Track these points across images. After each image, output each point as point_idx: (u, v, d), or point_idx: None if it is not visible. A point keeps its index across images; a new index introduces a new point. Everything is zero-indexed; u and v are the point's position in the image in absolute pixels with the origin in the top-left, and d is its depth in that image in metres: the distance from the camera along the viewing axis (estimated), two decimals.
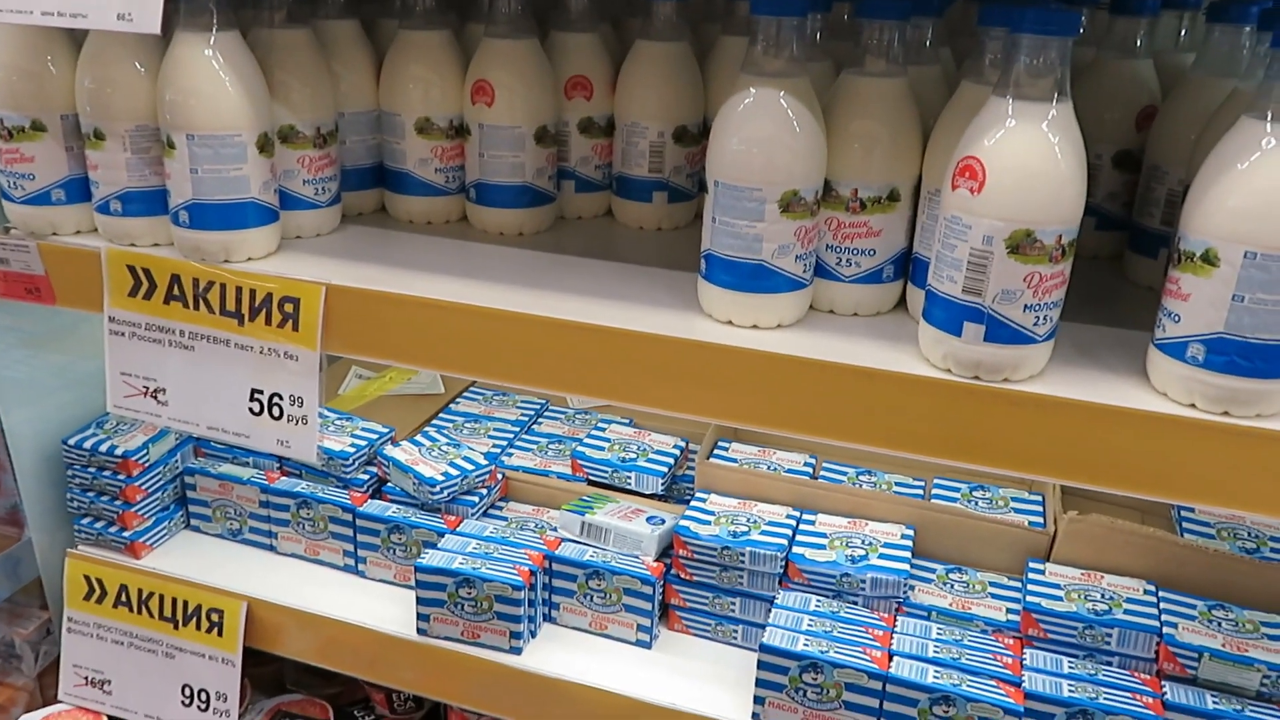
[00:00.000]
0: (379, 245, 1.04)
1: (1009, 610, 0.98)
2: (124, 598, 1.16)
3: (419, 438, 1.22)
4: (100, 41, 0.92)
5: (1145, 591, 0.96)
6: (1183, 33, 1.08)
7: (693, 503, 1.10)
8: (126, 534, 1.16)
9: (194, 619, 1.13)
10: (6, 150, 0.97)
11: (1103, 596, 0.95)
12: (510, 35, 1.03)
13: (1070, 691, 0.88)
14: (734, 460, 1.17)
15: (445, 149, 1.08)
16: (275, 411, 0.95)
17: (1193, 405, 0.71)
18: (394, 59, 1.07)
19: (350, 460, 1.17)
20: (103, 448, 1.13)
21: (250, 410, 0.96)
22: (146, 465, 1.15)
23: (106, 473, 1.14)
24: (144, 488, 1.16)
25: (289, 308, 0.92)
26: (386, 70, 1.08)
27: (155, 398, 0.99)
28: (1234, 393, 0.69)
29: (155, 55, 0.92)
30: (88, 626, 1.17)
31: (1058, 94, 0.70)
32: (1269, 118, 0.67)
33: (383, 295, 0.90)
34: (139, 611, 1.15)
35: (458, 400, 1.41)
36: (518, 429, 1.32)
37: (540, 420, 1.37)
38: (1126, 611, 0.93)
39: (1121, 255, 1.03)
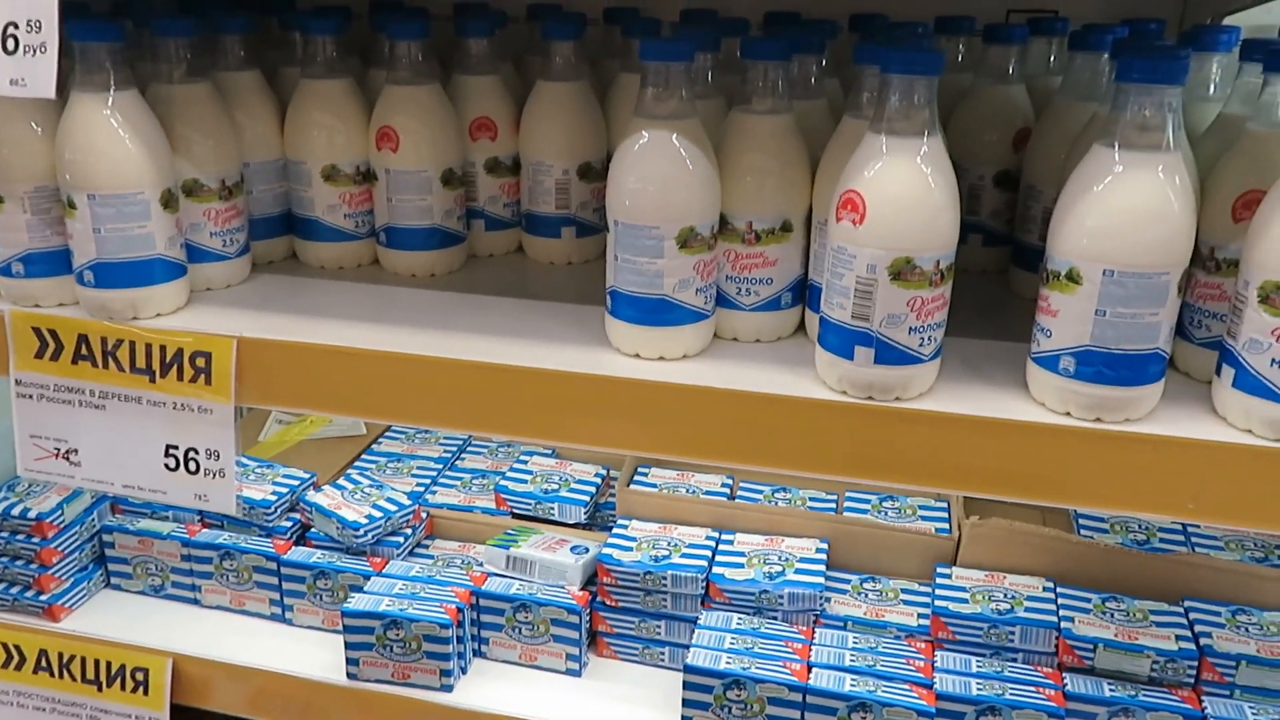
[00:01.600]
0: (290, 294, 1.04)
1: (920, 615, 1.03)
2: (44, 663, 1.13)
3: (342, 481, 1.22)
4: None
5: (1044, 589, 1.01)
6: (1051, 58, 1.15)
7: (615, 530, 1.13)
8: (44, 597, 1.14)
9: (118, 679, 1.11)
10: None
11: (1005, 596, 1.00)
12: (412, 81, 1.05)
13: (979, 690, 0.92)
14: (654, 485, 1.20)
15: (353, 195, 1.10)
16: (191, 466, 0.95)
17: (1068, 413, 0.76)
18: (298, 108, 1.08)
19: (272, 508, 1.17)
20: (15, 511, 1.11)
21: (166, 466, 0.96)
22: (62, 526, 1.13)
23: (20, 536, 1.12)
24: (60, 549, 1.14)
25: (201, 362, 0.92)
26: (290, 119, 1.09)
27: (68, 459, 0.98)
28: (1103, 400, 0.74)
29: (53, 115, 0.92)
30: (8, 695, 1.15)
31: (928, 129, 0.75)
32: (1117, 145, 0.72)
33: (295, 345, 0.91)
34: (60, 676, 1.13)
35: (380, 440, 1.41)
36: (441, 466, 1.33)
37: (463, 455, 1.38)
38: (1027, 609, 0.98)
39: (1006, 270, 1.09)
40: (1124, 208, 0.71)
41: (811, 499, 1.18)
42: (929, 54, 0.74)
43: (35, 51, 0.81)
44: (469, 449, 1.40)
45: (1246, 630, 0.96)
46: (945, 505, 1.17)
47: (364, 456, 1.37)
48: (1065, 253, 0.74)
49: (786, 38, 0.91)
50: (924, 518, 1.14)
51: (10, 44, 0.81)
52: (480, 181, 1.14)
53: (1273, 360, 0.71)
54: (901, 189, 0.74)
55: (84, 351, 0.95)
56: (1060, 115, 0.99)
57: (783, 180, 0.88)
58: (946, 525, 1.13)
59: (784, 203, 0.88)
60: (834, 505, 1.17)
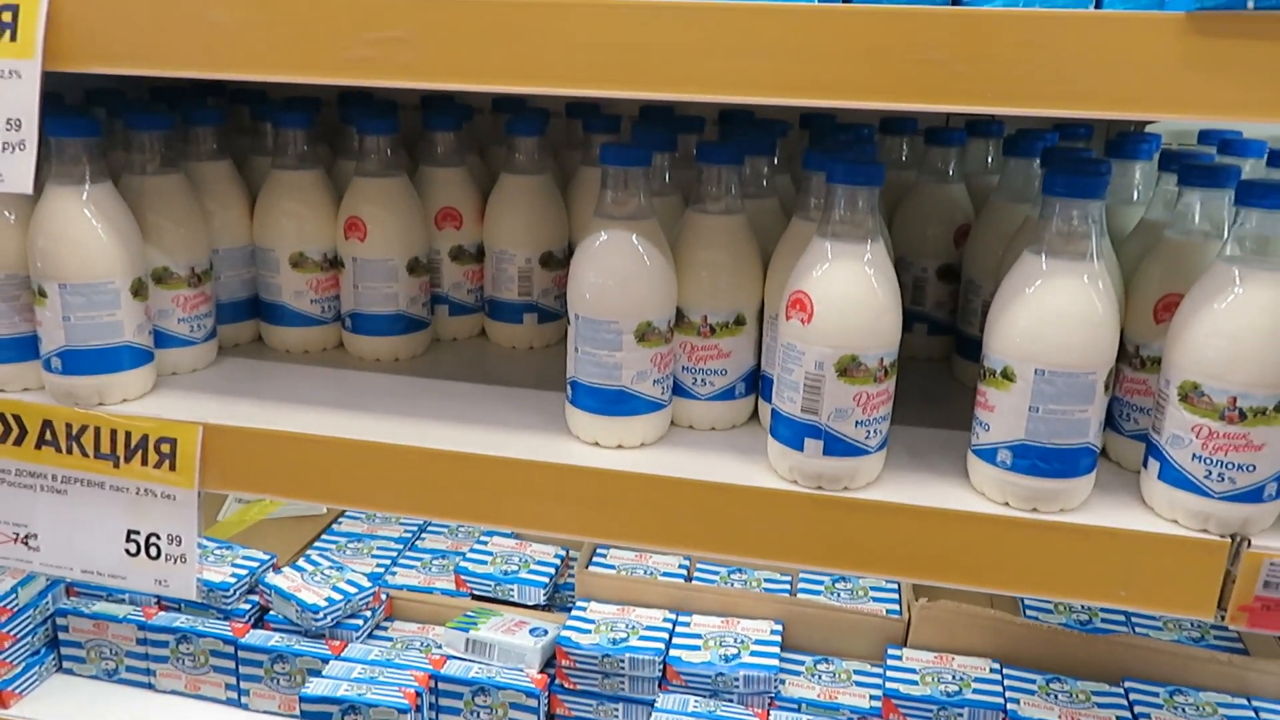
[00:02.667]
0: (256, 378, 1.06)
1: (871, 697, 1.05)
2: None
3: (301, 562, 1.22)
4: None
5: (991, 670, 1.05)
6: (989, 159, 1.22)
7: (574, 612, 1.14)
8: None
9: None
10: None
11: (954, 678, 1.03)
12: (380, 173, 1.09)
13: None
14: (612, 567, 1.22)
15: (320, 281, 1.13)
16: (153, 551, 0.96)
17: (1006, 503, 0.80)
18: (267, 197, 1.11)
19: (231, 591, 1.17)
20: None
21: (127, 551, 0.96)
22: (15, 610, 1.12)
23: None
24: (12, 633, 1.13)
25: (166, 448, 0.93)
26: (260, 208, 1.12)
27: (26, 544, 0.98)
28: (1038, 492, 0.78)
29: (25, 205, 0.94)
30: None
31: (871, 233, 0.80)
32: (1045, 253, 0.77)
33: (261, 432, 0.92)
34: None
35: (340, 520, 1.42)
36: (401, 546, 1.34)
37: (423, 536, 1.39)
38: (975, 691, 1.01)
39: (950, 358, 1.14)
40: (1052, 312, 0.76)
41: (767, 579, 1.21)
42: (871, 166, 0.79)
43: (15, 149, 0.83)
44: (429, 529, 1.41)
45: (1184, 711, 1.00)
46: (896, 586, 1.21)
47: (324, 537, 1.37)
48: (1000, 352, 0.78)
49: (739, 142, 0.96)
50: (875, 599, 1.17)
51: None
52: (445, 268, 1.18)
53: (1194, 455, 0.76)
54: (847, 291, 0.79)
55: (48, 437, 0.96)
56: (996, 215, 1.05)
57: (736, 276, 0.92)
58: (897, 607, 1.16)
59: (737, 298, 0.92)
60: (788, 586, 1.20)
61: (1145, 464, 0.81)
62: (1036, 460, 0.78)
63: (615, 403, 0.88)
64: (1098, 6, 0.73)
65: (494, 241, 1.16)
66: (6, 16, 0.82)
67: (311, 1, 0.78)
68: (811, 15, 0.70)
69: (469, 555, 1.27)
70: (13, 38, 0.82)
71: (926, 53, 0.69)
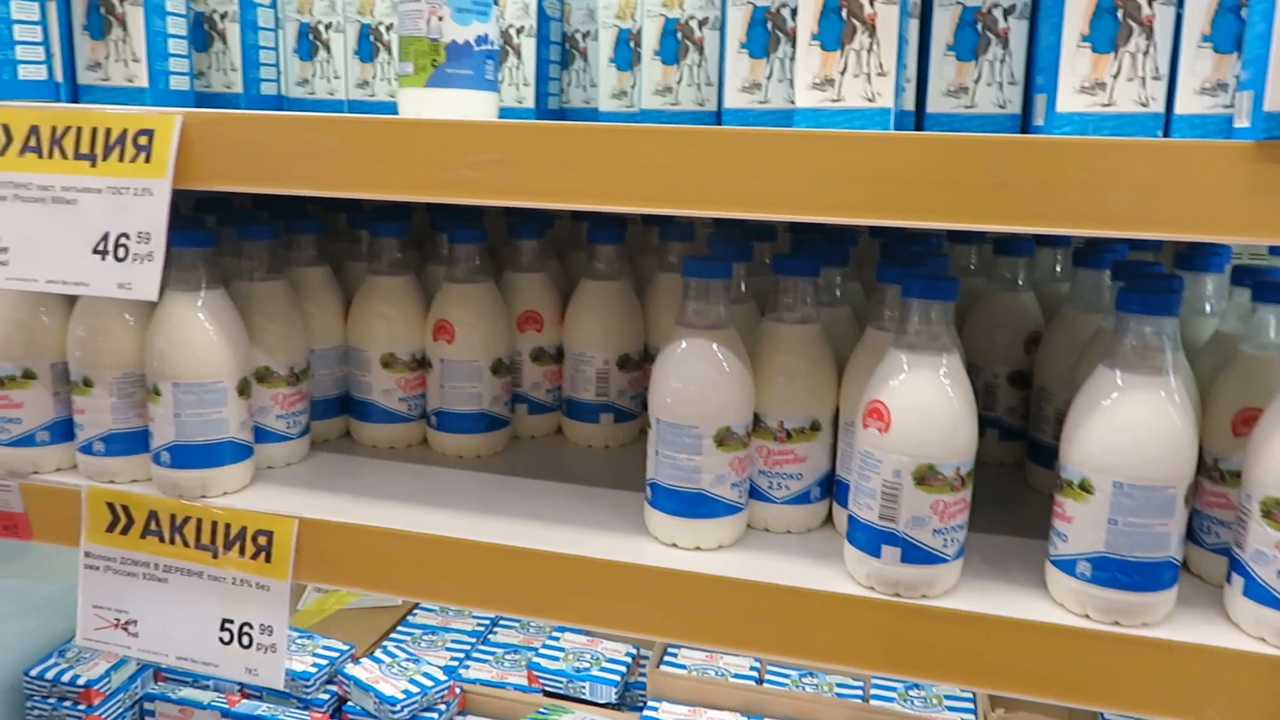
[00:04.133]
0: (346, 473, 1.11)
1: None
2: None
3: (379, 653, 1.25)
4: (94, 298, 1.01)
5: None
6: (1058, 267, 1.24)
7: (645, 712, 1.15)
8: None
9: None
10: None
11: None
12: (468, 279, 1.14)
13: None
14: (683, 667, 1.22)
15: (408, 380, 1.18)
16: (245, 640, 1.00)
17: (1086, 616, 0.80)
18: (362, 301, 1.18)
19: (312, 680, 1.20)
20: (65, 678, 1.15)
21: (220, 640, 1.00)
22: (108, 694, 1.17)
23: (67, 703, 1.15)
24: (104, 716, 1.17)
25: (262, 540, 0.98)
26: (355, 311, 1.18)
27: (126, 629, 1.03)
28: (1120, 605, 0.78)
29: (144, 309, 1.01)
30: None
31: (945, 343, 0.82)
32: (1119, 367, 0.79)
33: (351, 527, 0.96)
34: None
35: (414, 612, 1.45)
36: (475, 640, 1.36)
37: (495, 630, 1.41)
38: None
39: (1023, 463, 1.14)
40: (1129, 426, 0.77)
41: (839, 684, 1.20)
42: (946, 282, 0.82)
43: (142, 260, 0.90)
44: (501, 623, 1.43)
45: None
46: (971, 696, 1.19)
47: (399, 628, 1.40)
48: (1077, 464, 0.80)
49: (814, 254, 1.00)
50: (950, 708, 1.16)
51: (120, 252, 0.91)
52: (525, 369, 1.22)
53: (1279, 572, 0.76)
54: (924, 402, 0.81)
55: (153, 527, 1.01)
56: (1067, 325, 1.06)
57: (811, 384, 0.95)
58: (972, 716, 1.14)
59: (813, 404, 0.95)
60: (861, 692, 1.19)
61: (1229, 579, 0.81)
62: (1117, 573, 0.78)
63: (694, 505, 0.91)
64: (1166, 134, 0.76)
65: (573, 344, 1.21)
66: (143, 140, 0.90)
67: (418, 127, 0.85)
68: (887, 143, 0.74)
69: (541, 651, 1.29)
70: (147, 159, 0.90)
71: (999, 178, 0.73)
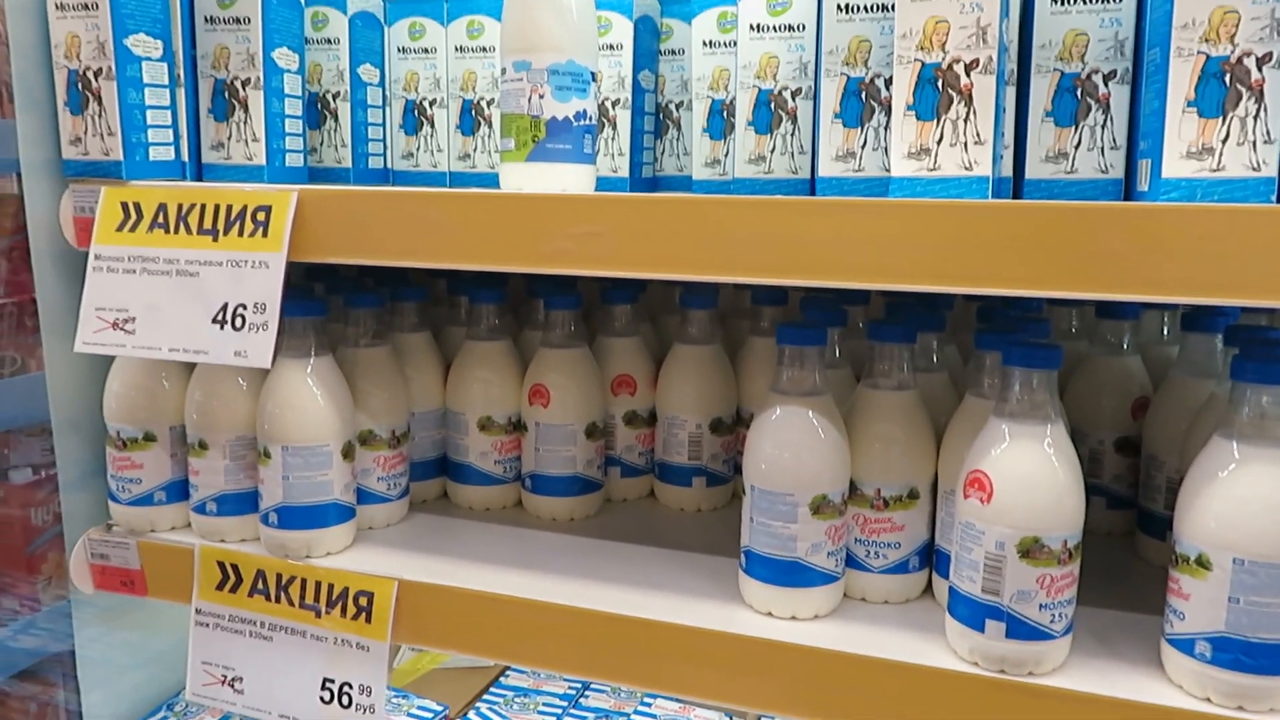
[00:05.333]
0: (443, 535, 1.13)
1: None
2: None
3: (472, 715, 1.26)
4: (212, 365, 1.06)
5: None
6: (1165, 331, 1.21)
7: None
8: None
9: None
10: (119, 458, 1.09)
11: None
12: (564, 344, 1.17)
13: None
14: None
15: (504, 443, 1.20)
16: (344, 700, 1.01)
17: (1208, 699, 0.76)
18: (461, 365, 1.21)
19: None
20: None
21: (321, 699, 1.02)
22: None
23: None
24: None
25: (363, 601, 1.00)
26: (453, 375, 1.21)
27: (232, 686, 1.06)
28: (1244, 689, 0.75)
29: (258, 375, 1.06)
30: None
31: (1049, 413, 0.81)
32: (1236, 438, 0.76)
33: (448, 590, 0.98)
34: None
35: (506, 674, 1.45)
36: (565, 704, 1.36)
37: (586, 694, 1.40)
38: None
39: (1132, 533, 1.10)
40: (1250, 501, 0.74)
41: None
42: (1049, 350, 0.80)
43: (258, 329, 0.95)
44: (592, 687, 1.42)
45: None
46: None
47: (492, 690, 1.41)
48: (1193, 538, 0.76)
49: (910, 320, 0.99)
50: None
51: (238, 321, 0.96)
52: (619, 432, 1.23)
53: None
54: (1028, 472, 0.79)
55: (259, 585, 1.04)
56: (1177, 391, 1.03)
57: (909, 451, 0.93)
58: None
59: (910, 472, 0.93)
60: None
61: None
62: (1240, 655, 0.74)
63: (789, 574, 0.90)
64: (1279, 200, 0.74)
65: (666, 407, 1.22)
66: (261, 216, 0.95)
67: (518, 201, 0.88)
68: (985, 212, 0.74)
69: (633, 717, 1.28)
70: (264, 234, 0.95)
71: (1102, 245, 0.71)
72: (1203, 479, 0.77)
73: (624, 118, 1.14)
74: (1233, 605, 0.74)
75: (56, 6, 1.00)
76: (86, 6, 0.99)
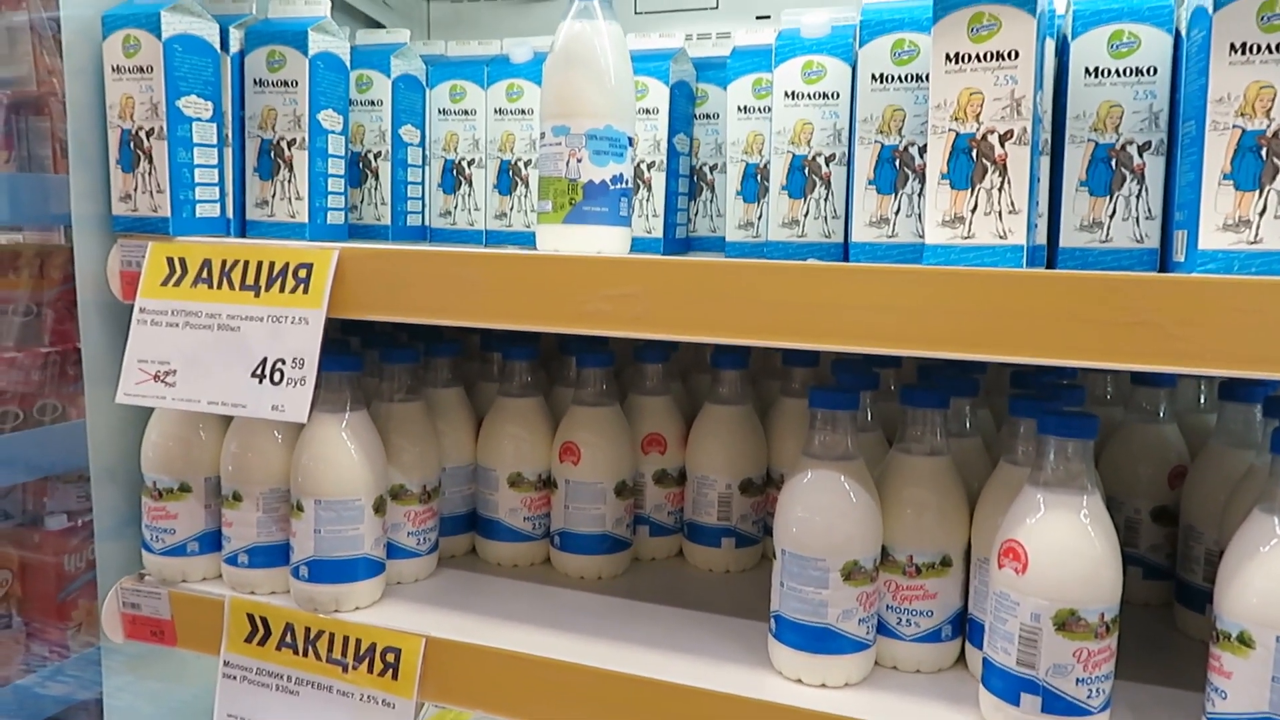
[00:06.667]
0: (471, 591, 1.13)
1: None
2: None
3: None
4: (249, 418, 1.08)
5: None
6: (1202, 399, 1.19)
7: None
8: None
9: None
10: (154, 508, 1.10)
11: None
12: (595, 403, 1.17)
13: None
14: None
15: (533, 499, 1.20)
16: None
17: None
18: (492, 421, 1.22)
19: None
20: None
21: None
22: None
23: None
24: None
25: (390, 657, 1.00)
26: (485, 430, 1.22)
27: None
28: None
29: (293, 428, 1.07)
30: None
31: (1085, 483, 0.80)
32: (1278, 513, 0.75)
33: (475, 648, 0.98)
34: None
35: None
36: None
37: None
38: None
39: (1170, 605, 1.08)
40: None
41: None
42: (1085, 419, 0.80)
43: (296, 384, 0.96)
44: None
45: None
46: None
47: None
48: (1234, 615, 0.75)
49: (943, 385, 0.99)
50: None
51: (276, 376, 0.97)
52: (648, 490, 1.23)
53: None
54: (1064, 544, 0.78)
55: (288, 639, 1.05)
56: (1215, 461, 1.02)
57: (941, 517, 0.93)
58: None
59: (943, 538, 0.92)
60: None
61: None
62: None
63: (820, 640, 0.89)
64: None
65: (696, 467, 1.21)
66: (302, 273, 0.97)
67: (555, 263, 0.89)
68: (1020, 281, 0.74)
69: None
70: (305, 290, 0.97)
71: (1137, 316, 0.71)
72: (1244, 554, 0.76)
73: (659, 180, 1.16)
74: (1276, 686, 0.73)
75: (114, 69, 1.04)
76: (142, 70, 1.02)
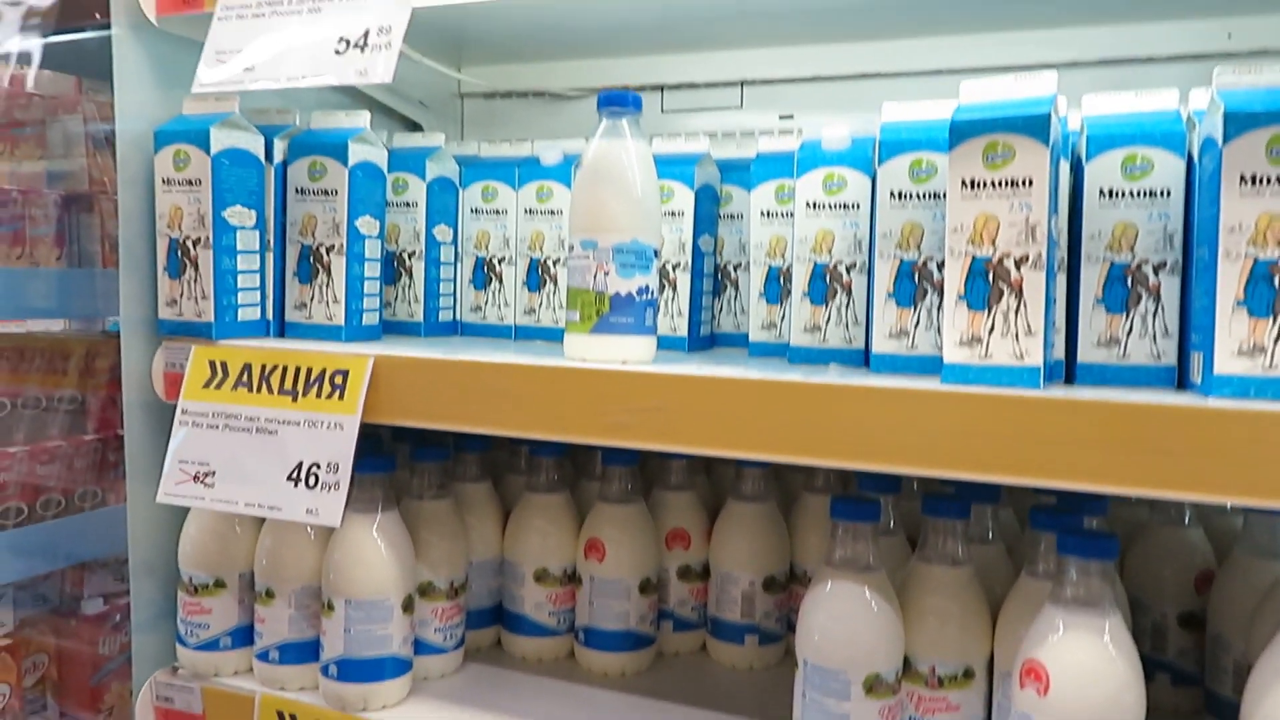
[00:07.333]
0: (496, 688, 1.14)
1: None
2: None
3: None
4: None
5: None
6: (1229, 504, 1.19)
7: None
8: None
9: None
10: (189, 603, 1.13)
11: None
12: (620, 500, 1.19)
13: None
14: None
15: (559, 594, 1.21)
16: None
17: None
18: (519, 516, 1.24)
19: None
20: None
21: None
22: None
23: None
24: None
25: None
26: (512, 525, 1.24)
27: None
28: None
29: (325, 528, 1.09)
30: None
31: (1106, 606, 0.80)
32: None
33: None
34: None
35: None
36: None
37: None
38: None
39: (1199, 714, 1.07)
40: None
41: None
42: (1105, 539, 0.81)
43: (330, 489, 0.99)
44: None
45: None
46: None
47: None
48: None
49: (966, 495, 1.00)
50: None
51: (311, 480, 1.00)
52: (672, 585, 1.24)
53: None
54: (1085, 667, 0.78)
55: None
56: (1242, 571, 1.01)
57: (963, 629, 0.93)
58: None
59: (966, 650, 0.93)
60: None
61: None
62: None
63: None
64: None
65: (719, 563, 1.22)
66: (339, 380, 1.00)
67: (582, 376, 0.91)
68: (1037, 406, 0.76)
69: None
70: (341, 396, 1.00)
71: (1155, 444, 0.72)
72: (1273, 673, 0.76)
73: (684, 280, 1.19)
74: None
75: (164, 181, 1.09)
76: (191, 183, 1.07)
